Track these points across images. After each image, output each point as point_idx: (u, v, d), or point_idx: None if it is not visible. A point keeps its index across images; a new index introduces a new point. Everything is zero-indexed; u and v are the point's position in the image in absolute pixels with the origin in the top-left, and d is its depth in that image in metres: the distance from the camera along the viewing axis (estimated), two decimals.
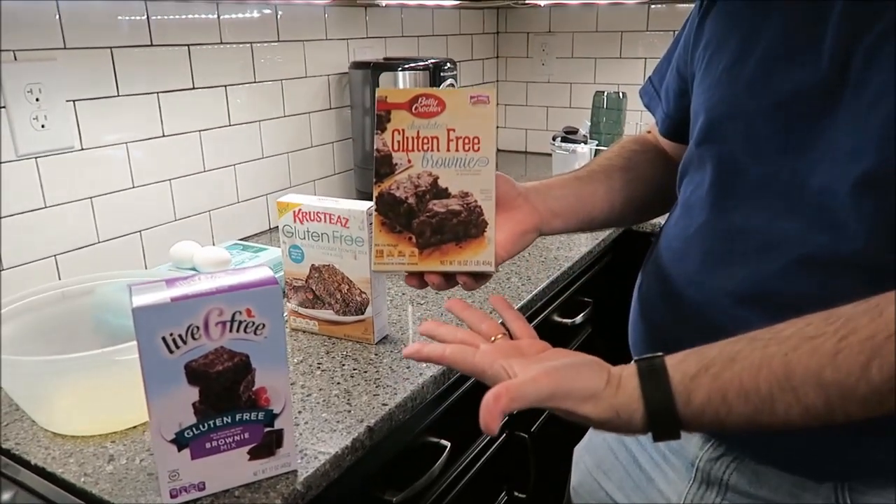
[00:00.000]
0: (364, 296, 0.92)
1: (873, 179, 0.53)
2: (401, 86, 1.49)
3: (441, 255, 0.64)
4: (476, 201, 0.64)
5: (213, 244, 1.35)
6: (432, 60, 1.50)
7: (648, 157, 0.84)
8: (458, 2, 1.84)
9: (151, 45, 1.19)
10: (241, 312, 0.61)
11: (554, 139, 1.76)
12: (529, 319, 1.11)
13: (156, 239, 1.25)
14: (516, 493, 1.19)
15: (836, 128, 0.57)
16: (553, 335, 1.28)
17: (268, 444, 0.66)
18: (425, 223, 0.64)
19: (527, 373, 0.52)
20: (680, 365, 0.51)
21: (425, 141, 0.63)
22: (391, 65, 1.49)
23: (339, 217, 0.90)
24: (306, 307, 0.96)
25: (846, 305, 0.49)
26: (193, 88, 1.28)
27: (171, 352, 0.59)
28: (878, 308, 0.47)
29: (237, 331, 0.61)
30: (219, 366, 0.61)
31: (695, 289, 0.65)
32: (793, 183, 0.59)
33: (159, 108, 1.22)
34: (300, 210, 0.92)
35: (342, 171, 1.67)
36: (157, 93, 1.21)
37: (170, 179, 1.26)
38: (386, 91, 0.64)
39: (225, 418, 0.63)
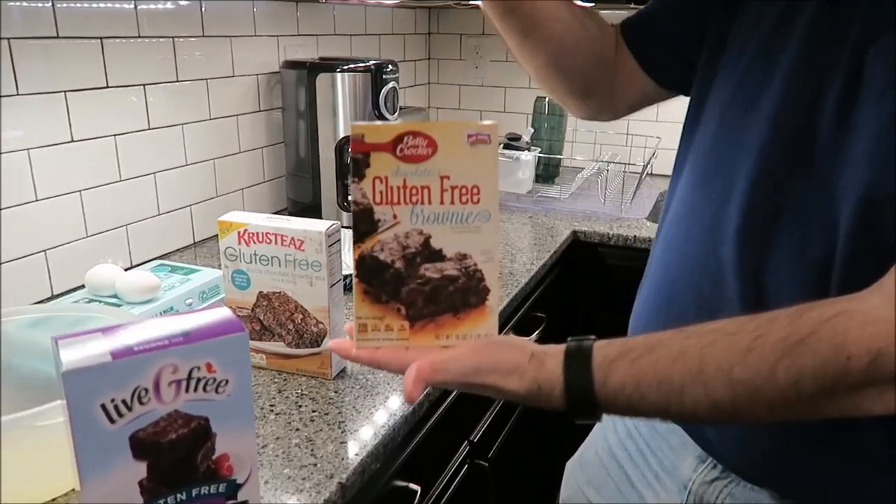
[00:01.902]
0: (321, 326, 0.82)
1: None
2: (339, 89, 1.38)
3: (436, 329, 0.55)
4: (475, 264, 0.54)
5: (131, 262, 1.20)
6: (373, 62, 1.41)
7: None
8: (399, 0, 1.75)
9: (57, 37, 1.03)
10: (199, 368, 0.50)
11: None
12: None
13: (64, 259, 1.09)
14: None
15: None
16: None
17: None
18: (416, 292, 0.54)
19: (452, 352, 0.53)
20: (604, 347, 0.52)
21: (414, 191, 0.52)
22: (329, 65, 1.38)
23: (292, 239, 0.79)
24: (252, 339, 0.85)
25: (778, 309, 0.48)
26: (107, 87, 1.12)
27: (112, 421, 0.47)
28: (798, 311, 0.47)
29: (195, 390, 0.50)
30: (172, 434, 0.50)
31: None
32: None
33: (67, 109, 1.06)
34: (246, 231, 0.81)
35: (273, 178, 1.55)
36: (65, 92, 1.05)
37: (80, 190, 1.10)
38: (362, 128, 0.52)
39: (179, 496, 0.52)
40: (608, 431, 0.81)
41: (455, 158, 0.52)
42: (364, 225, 0.53)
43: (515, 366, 0.52)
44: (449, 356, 0.53)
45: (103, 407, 0.47)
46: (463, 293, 0.55)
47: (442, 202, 0.53)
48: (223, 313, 0.54)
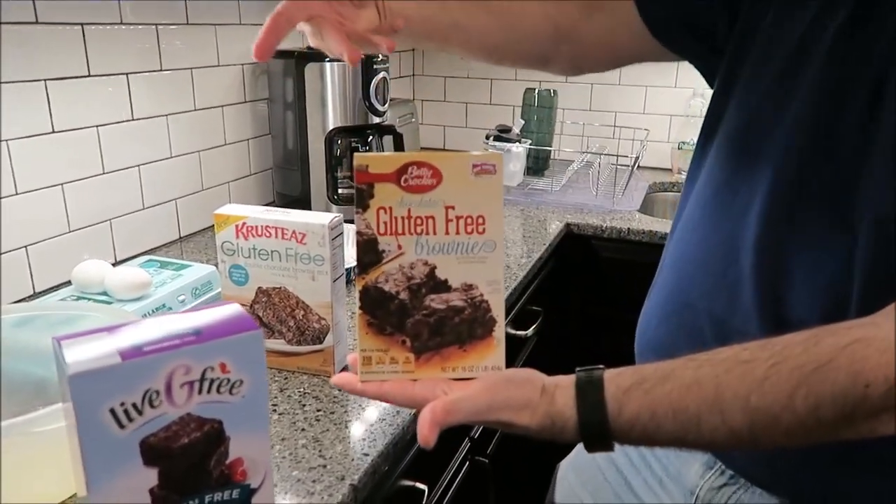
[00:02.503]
0: (323, 322, 0.79)
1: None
2: (328, 79, 1.35)
3: (442, 361, 0.54)
4: (482, 295, 0.53)
5: (116, 258, 1.16)
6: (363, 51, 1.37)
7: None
8: None
9: (36, 22, 0.98)
10: (213, 368, 0.47)
11: (487, 138, 1.68)
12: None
13: (46, 255, 1.04)
14: None
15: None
16: (508, 350, 1.20)
17: None
18: (422, 323, 0.53)
19: (464, 390, 0.52)
20: (616, 378, 0.51)
21: (418, 222, 0.52)
22: (317, 55, 1.34)
23: (293, 232, 0.76)
24: None
25: (790, 334, 0.48)
26: (88, 76, 1.08)
27: (121, 427, 0.44)
28: (814, 338, 0.47)
29: (208, 392, 0.47)
30: (184, 438, 0.47)
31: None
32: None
33: (48, 98, 1.01)
34: (244, 224, 0.78)
35: (259, 171, 1.51)
36: (45, 80, 1.01)
37: (62, 184, 1.06)
38: (366, 159, 0.51)
39: (191, 502, 0.49)
40: None
41: (460, 189, 0.52)
42: (368, 256, 0.52)
43: (527, 401, 0.52)
44: (461, 396, 0.52)
45: (112, 411, 0.44)
46: (469, 325, 0.54)
47: (447, 232, 0.52)
48: (234, 310, 0.51)
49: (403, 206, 0.51)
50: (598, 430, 0.50)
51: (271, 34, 0.58)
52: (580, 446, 0.83)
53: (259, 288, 0.80)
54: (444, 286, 0.53)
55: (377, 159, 0.51)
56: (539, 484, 1.48)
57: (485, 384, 0.53)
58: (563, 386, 0.52)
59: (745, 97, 0.63)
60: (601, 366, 0.53)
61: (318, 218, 0.77)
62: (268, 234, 0.77)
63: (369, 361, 0.53)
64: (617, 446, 0.75)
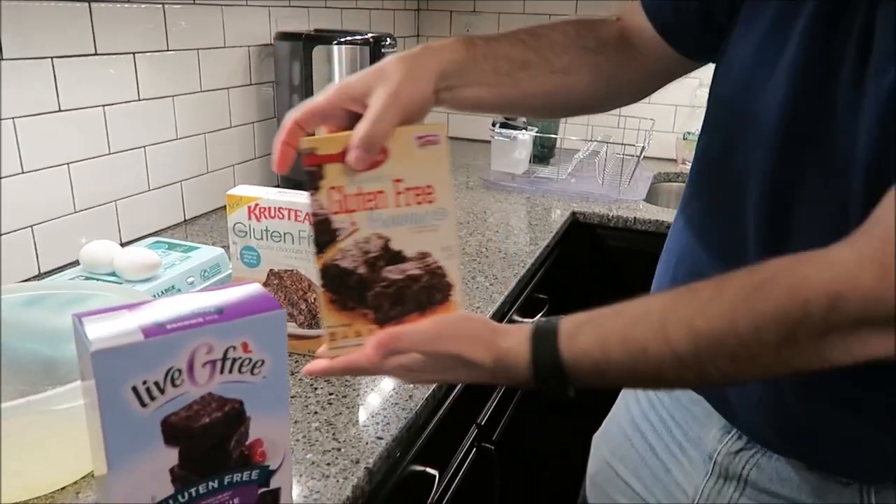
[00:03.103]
0: None
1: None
2: (336, 62, 1.34)
3: None
4: (437, 262, 0.54)
5: (121, 240, 1.15)
6: (371, 34, 1.36)
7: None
8: None
9: None
10: (235, 348, 0.46)
11: (493, 125, 1.67)
12: (499, 321, 1.01)
13: (52, 235, 1.03)
14: None
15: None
16: None
17: None
18: (382, 295, 0.54)
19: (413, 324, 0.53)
20: (572, 317, 0.52)
21: (369, 197, 0.53)
22: (325, 37, 1.33)
23: (307, 214, 0.75)
24: None
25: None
26: (95, 55, 1.06)
27: (143, 405, 0.44)
28: (761, 264, 0.46)
29: (230, 371, 0.47)
30: (205, 418, 0.47)
31: None
32: None
33: (54, 76, 1.00)
34: (257, 205, 0.77)
35: (264, 154, 1.49)
36: (51, 58, 0.99)
37: (68, 163, 1.04)
38: (313, 142, 0.52)
39: (211, 483, 0.48)
40: (630, 403, 0.80)
41: (407, 161, 0.53)
42: (324, 235, 0.52)
43: (478, 334, 0.52)
44: (409, 327, 0.53)
45: (134, 389, 0.43)
46: (428, 291, 0.54)
47: (398, 205, 0.53)
48: (254, 289, 0.50)
49: (353, 184, 0.52)
50: (549, 363, 0.50)
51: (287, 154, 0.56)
52: (609, 417, 0.85)
53: (271, 270, 0.79)
54: (399, 257, 0.54)
55: (323, 141, 0.52)
56: (543, 468, 1.49)
57: (435, 319, 0.54)
58: (520, 327, 0.53)
59: (738, 54, 0.62)
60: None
61: None
62: (281, 216, 0.76)
63: (335, 337, 0.54)
64: (638, 415, 0.77)
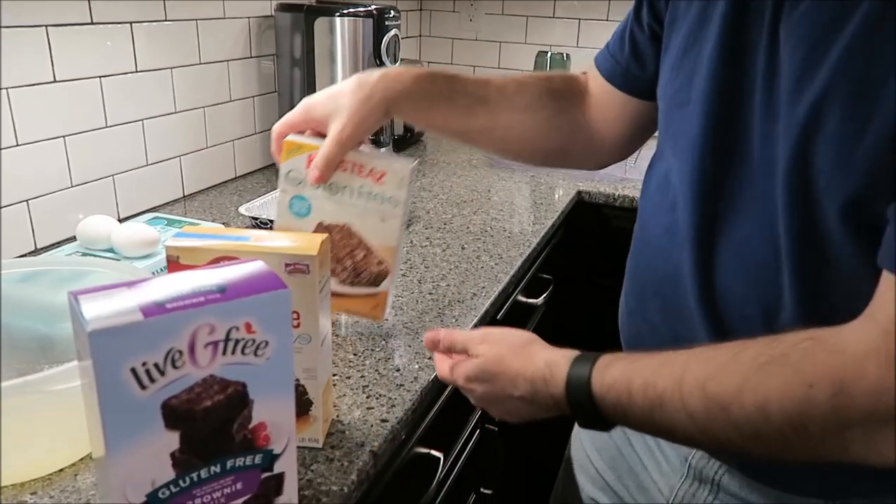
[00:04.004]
0: (382, 266, 0.74)
1: None
2: (338, 34, 1.30)
3: None
4: (298, 380, 0.58)
5: (119, 215, 1.13)
6: (375, 6, 1.33)
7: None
8: None
9: None
10: (238, 328, 0.44)
11: None
12: (501, 303, 1.00)
13: (48, 210, 1.01)
14: (483, 490, 1.09)
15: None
16: (519, 317, 1.18)
17: (265, 494, 0.50)
18: None
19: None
20: (612, 354, 0.53)
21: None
22: (327, 9, 1.30)
23: (372, 170, 0.71)
24: None
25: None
26: (91, 23, 1.03)
27: (142, 387, 0.42)
28: (785, 335, 0.45)
29: (232, 353, 0.45)
30: (207, 401, 0.45)
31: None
32: None
33: (49, 45, 0.97)
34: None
35: (264, 129, 1.46)
36: (46, 26, 0.96)
37: (64, 136, 1.02)
38: (177, 250, 0.55)
39: (213, 468, 0.47)
40: None
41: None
42: None
43: (528, 341, 0.58)
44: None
45: (133, 371, 0.41)
46: None
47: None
48: (259, 267, 0.48)
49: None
50: (580, 390, 0.52)
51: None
52: None
53: (321, 223, 0.73)
54: None
55: (189, 251, 0.55)
56: (544, 449, 1.48)
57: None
58: (562, 359, 0.55)
59: (661, 83, 0.64)
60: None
61: (401, 160, 0.73)
62: (343, 169, 0.71)
63: None
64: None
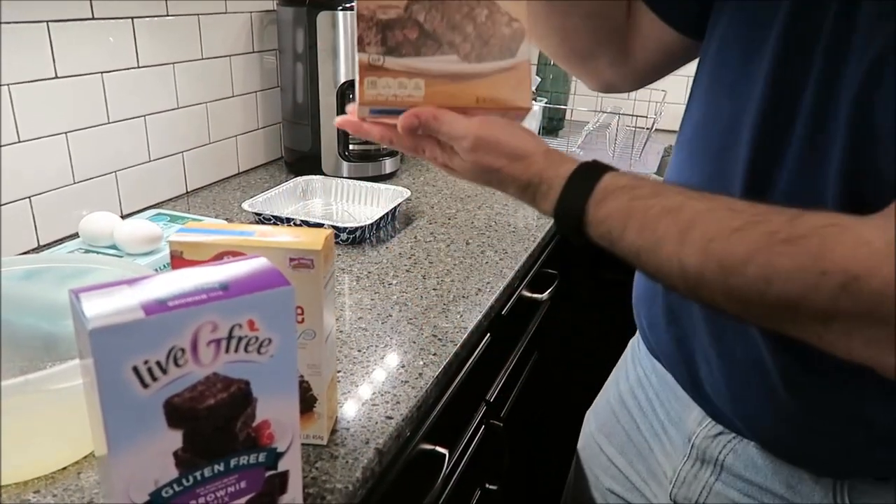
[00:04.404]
0: (515, 25, 0.56)
1: None
2: (341, 29, 1.29)
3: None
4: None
5: (122, 211, 1.12)
6: None
7: None
8: None
9: None
10: (241, 326, 0.44)
11: None
12: (506, 298, 0.99)
13: (51, 207, 1.00)
14: (487, 486, 1.09)
15: None
16: (524, 313, 1.17)
17: (269, 493, 0.50)
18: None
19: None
20: (616, 175, 0.51)
21: None
22: (330, 3, 1.29)
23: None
24: (405, 54, 0.54)
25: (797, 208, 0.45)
26: (93, 19, 1.02)
27: (145, 386, 0.41)
28: (806, 213, 0.43)
29: (235, 350, 0.44)
30: (210, 399, 0.44)
31: None
32: None
33: (50, 41, 0.96)
34: None
35: (268, 125, 1.46)
36: (47, 22, 0.96)
37: (66, 132, 1.01)
38: (181, 245, 0.53)
39: (216, 466, 0.46)
40: (620, 379, 0.79)
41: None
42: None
43: (526, 154, 0.53)
44: (456, 115, 0.53)
45: (135, 369, 0.41)
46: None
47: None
48: (262, 263, 0.48)
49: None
50: (572, 212, 0.50)
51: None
52: (600, 394, 0.83)
53: None
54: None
55: (192, 246, 0.53)
56: (549, 444, 1.48)
57: (483, 118, 0.53)
58: (567, 161, 0.52)
59: (722, 34, 0.59)
60: (615, 168, 0.52)
61: None
62: None
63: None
64: (626, 391, 0.76)
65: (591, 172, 0.51)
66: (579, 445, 0.85)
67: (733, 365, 0.57)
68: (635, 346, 0.78)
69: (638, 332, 0.77)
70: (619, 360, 0.82)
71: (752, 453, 0.61)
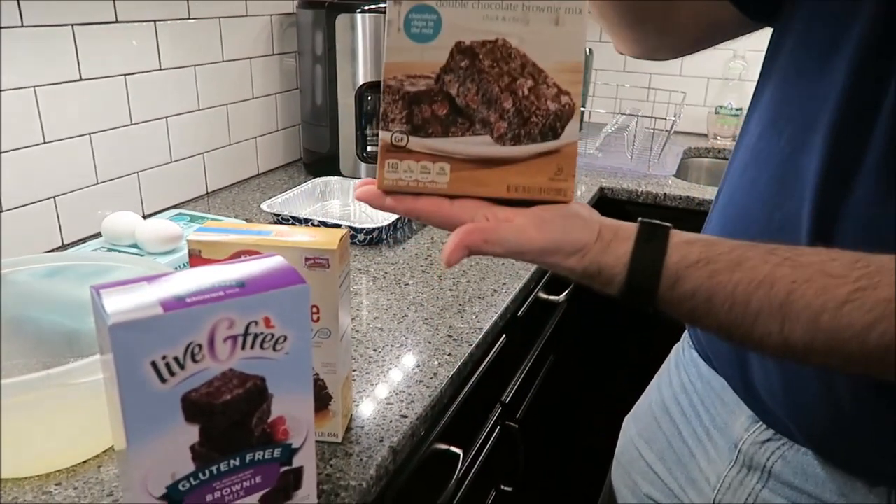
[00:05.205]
0: (564, 99, 0.47)
1: None
2: (359, 31, 1.30)
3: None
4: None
5: (143, 211, 1.14)
6: None
7: None
8: None
9: None
10: (257, 323, 0.45)
11: None
12: (521, 299, 0.99)
13: (75, 206, 1.02)
14: (503, 487, 1.09)
15: None
16: (540, 315, 1.17)
17: (284, 488, 0.50)
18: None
19: (511, 220, 0.46)
20: (683, 247, 0.46)
21: None
22: (349, 5, 1.30)
23: None
24: (429, 134, 0.47)
25: (886, 255, 0.42)
26: (116, 22, 1.04)
27: (163, 381, 0.42)
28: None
29: (251, 347, 0.45)
30: (226, 394, 0.45)
31: None
32: None
33: (75, 44, 0.98)
34: None
35: (286, 126, 1.48)
36: (72, 25, 0.98)
37: (90, 133, 1.03)
38: (199, 244, 0.55)
39: (232, 461, 0.47)
40: (663, 385, 0.78)
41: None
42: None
43: (580, 247, 0.46)
44: (509, 227, 0.45)
45: (154, 365, 0.41)
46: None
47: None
48: (277, 262, 0.48)
49: None
50: (643, 297, 0.46)
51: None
52: (641, 399, 0.83)
53: (458, 44, 0.46)
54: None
55: (210, 245, 0.55)
56: (567, 448, 1.47)
57: (536, 219, 0.46)
58: (622, 238, 0.46)
59: (800, 23, 0.58)
60: (669, 224, 0.47)
61: None
62: None
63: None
64: (669, 397, 0.75)
65: (653, 252, 0.46)
66: (618, 451, 0.83)
67: (793, 371, 0.56)
68: (680, 353, 0.77)
69: (684, 337, 0.76)
70: (662, 367, 0.81)
71: (802, 460, 0.59)
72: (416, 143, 0.47)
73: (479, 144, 0.47)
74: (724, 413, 0.66)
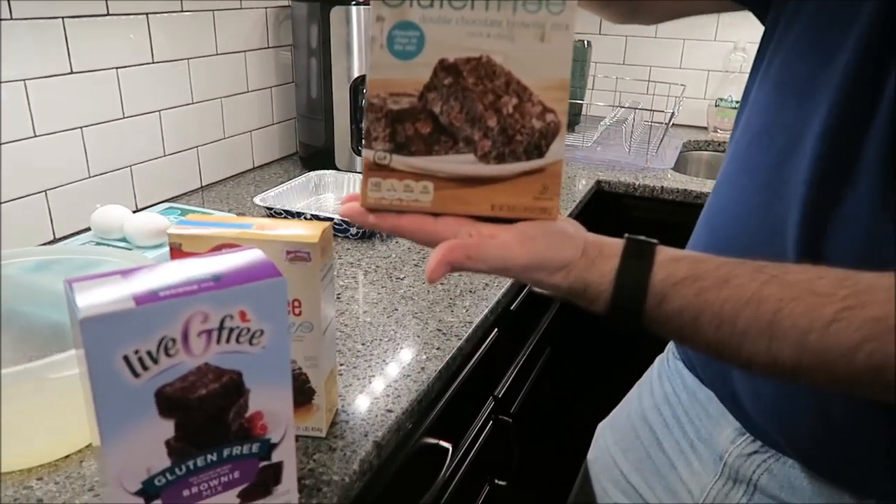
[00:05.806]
0: (550, 117, 0.46)
1: None
2: (354, 24, 1.30)
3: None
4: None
5: (136, 206, 1.14)
6: None
7: None
8: None
9: None
10: (232, 317, 0.44)
11: None
12: (514, 293, 0.99)
13: (66, 201, 1.02)
14: (497, 481, 1.09)
15: None
16: (534, 309, 1.17)
17: (263, 483, 0.50)
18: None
19: (495, 236, 0.45)
20: (670, 264, 0.45)
21: None
22: None
23: None
24: (412, 153, 0.46)
25: (872, 273, 0.41)
26: (107, 15, 1.04)
27: (136, 375, 0.42)
28: None
29: (227, 341, 0.45)
30: (202, 389, 0.45)
31: None
32: None
33: (65, 37, 0.98)
34: None
35: (282, 120, 1.47)
36: (62, 18, 0.97)
37: (81, 127, 1.03)
38: (179, 237, 0.55)
39: (209, 456, 0.47)
40: (644, 394, 0.76)
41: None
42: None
43: (564, 263, 0.45)
44: (493, 244, 0.45)
45: (126, 359, 0.41)
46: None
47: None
48: (255, 255, 0.48)
49: None
50: (629, 315, 0.45)
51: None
52: (619, 407, 0.82)
53: (441, 61, 0.45)
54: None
55: (191, 238, 0.54)
56: (560, 443, 1.47)
57: (520, 236, 0.45)
58: (607, 255, 0.45)
59: (793, 27, 0.57)
60: (655, 241, 0.46)
61: None
62: None
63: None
64: (650, 407, 0.74)
65: (639, 269, 0.45)
66: (590, 457, 0.82)
67: (783, 383, 0.55)
68: (664, 363, 0.76)
69: (668, 348, 0.75)
70: (643, 377, 0.80)
71: (788, 473, 0.59)
72: (399, 161, 0.46)
73: (462, 163, 0.47)
74: (710, 425, 0.65)
